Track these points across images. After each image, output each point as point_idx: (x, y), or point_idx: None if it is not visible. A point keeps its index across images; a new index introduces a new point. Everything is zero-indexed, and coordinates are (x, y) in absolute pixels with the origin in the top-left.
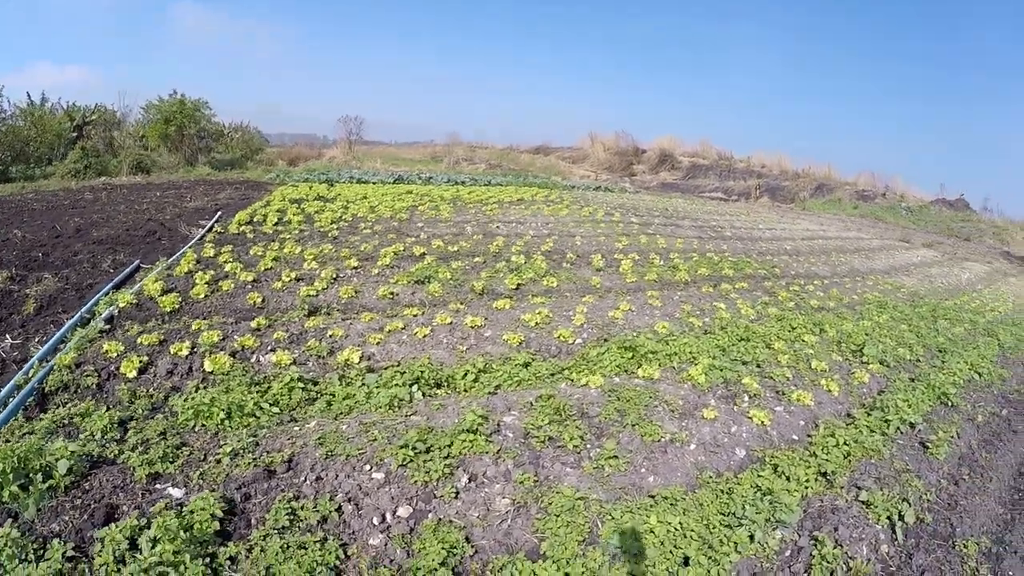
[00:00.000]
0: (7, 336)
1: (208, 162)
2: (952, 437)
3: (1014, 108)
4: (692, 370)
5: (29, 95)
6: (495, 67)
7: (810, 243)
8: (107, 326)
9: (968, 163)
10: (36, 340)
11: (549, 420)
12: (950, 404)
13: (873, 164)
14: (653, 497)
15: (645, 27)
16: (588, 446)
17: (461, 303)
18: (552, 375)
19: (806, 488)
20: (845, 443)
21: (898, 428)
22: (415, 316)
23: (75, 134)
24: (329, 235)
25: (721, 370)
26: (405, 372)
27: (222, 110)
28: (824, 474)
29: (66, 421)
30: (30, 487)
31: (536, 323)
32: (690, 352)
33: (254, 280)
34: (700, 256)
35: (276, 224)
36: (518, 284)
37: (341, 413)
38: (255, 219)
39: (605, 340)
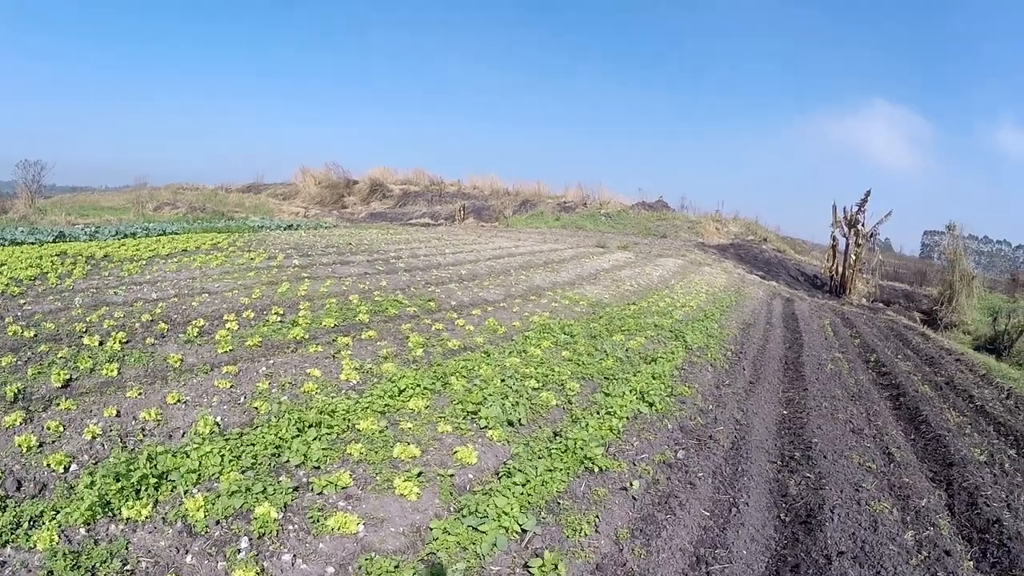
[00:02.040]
0: None
1: None
2: (585, 535)
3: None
4: (189, 503)
5: None
6: (202, 101)
7: (494, 263)
8: None
9: (670, 169)
10: None
11: None
12: (596, 469)
13: (583, 177)
14: None
15: (360, 57)
16: None
17: None
18: (15, 528)
19: None
20: None
21: (494, 544)
22: None
23: None
24: None
25: (238, 493)
26: None
27: None
28: None
29: None
30: None
31: (29, 447)
32: (214, 465)
33: None
34: (339, 301)
35: None
36: (68, 380)
37: None
38: None
39: (101, 464)
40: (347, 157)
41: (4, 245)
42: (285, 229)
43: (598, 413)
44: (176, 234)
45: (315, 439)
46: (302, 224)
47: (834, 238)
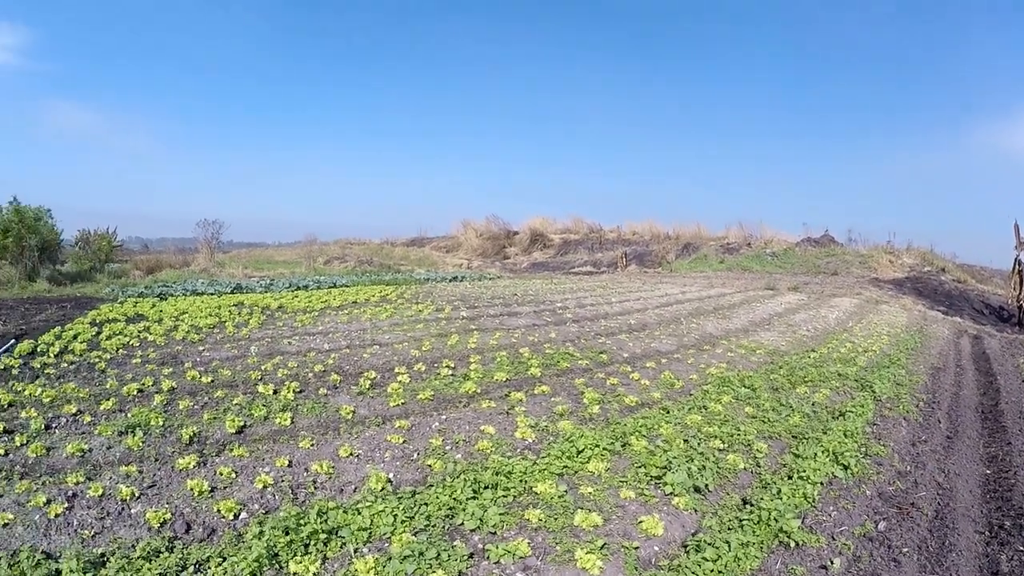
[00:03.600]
0: None
1: (50, 276)
2: None
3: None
4: (359, 563)
5: None
6: (365, 162)
7: (662, 311)
8: None
9: (830, 201)
10: None
11: None
12: (792, 544)
13: (742, 215)
14: None
15: (506, 109)
16: None
17: (152, 460)
18: (180, 570)
19: None
20: None
21: None
22: (76, 483)
23: None
24: (95, 367)
25: (411, 557)
26: (3, 569)
27: (92, 213)
28: None
29: None
30: None
31: (201, 491)
32: (386, 525)
33: None
34: (510, 354)
35: (57, 354)
36: (242, 426)
37: None
38: (38, 349)
39: (271, 515)
40: (505, 208)
41: (187, 295)
42: (450, 281)
43: (790, 478)
44: (346, 286)
45: (491, 502)
46: (466, 276)
47: (1019, 262)
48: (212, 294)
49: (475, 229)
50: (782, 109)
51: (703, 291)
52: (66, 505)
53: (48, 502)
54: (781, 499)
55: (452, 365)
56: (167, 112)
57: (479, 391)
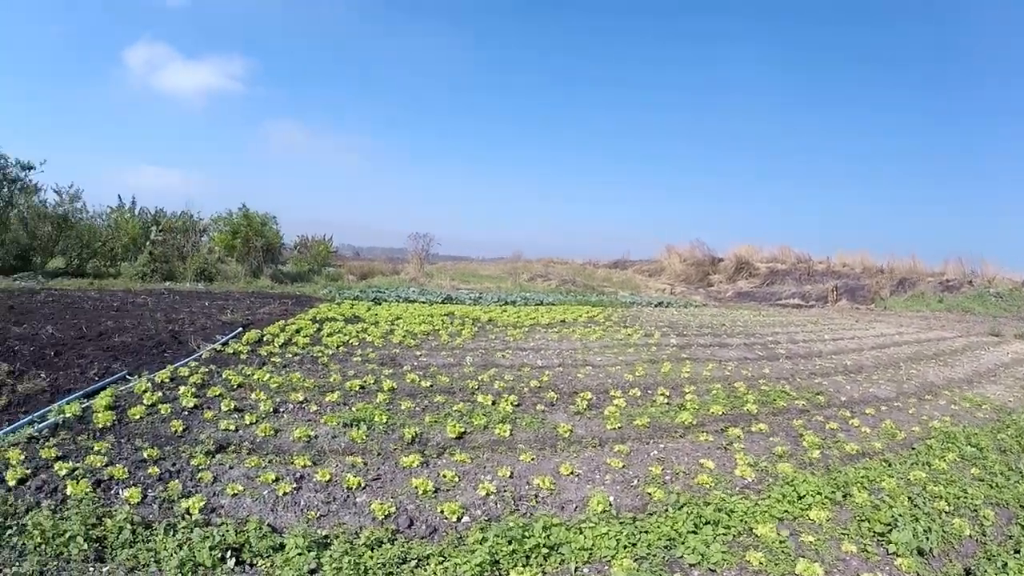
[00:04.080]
0: None
1: (272, 274)
2: None
3: None
4: None
5: (120, 197)
6: (580, 181)
7: (879, 353)
8: (47, 433)
9: None
10: None
11: None
12: None
13: (960, 248)
14: None
15: (723, 134)
16: None
17: (375, 454)
18: (400, 563)
19: None
20: None
21: None
22: (303, 467)
23: (159, 237)
24: (319, 361)
25: None
26: (230, 534)
27: (309, 221)
28: None
29: None
30: None
31: (425, 491)
32: (607, 548)
33: (194, 407)
34: (724, 387)
35: (280, 345)
36: (462, 433)
37: (143, 566)
38: (265, 338)
39: (494, 523)
40: (710, 233)
41: (399, 302)
42: (655, 306)
43: (1017, 552)
44: (553, 305)
45: (712, 538)
46: (671, 302)
47: None
48: (423, 302)
49: (679, 254)
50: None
51: (921, 333)
52: (294, 486)
53: (276, 480)
54: (1015, 562)
55: (667, 393)
56: (375, 131)
57: (695, 423)
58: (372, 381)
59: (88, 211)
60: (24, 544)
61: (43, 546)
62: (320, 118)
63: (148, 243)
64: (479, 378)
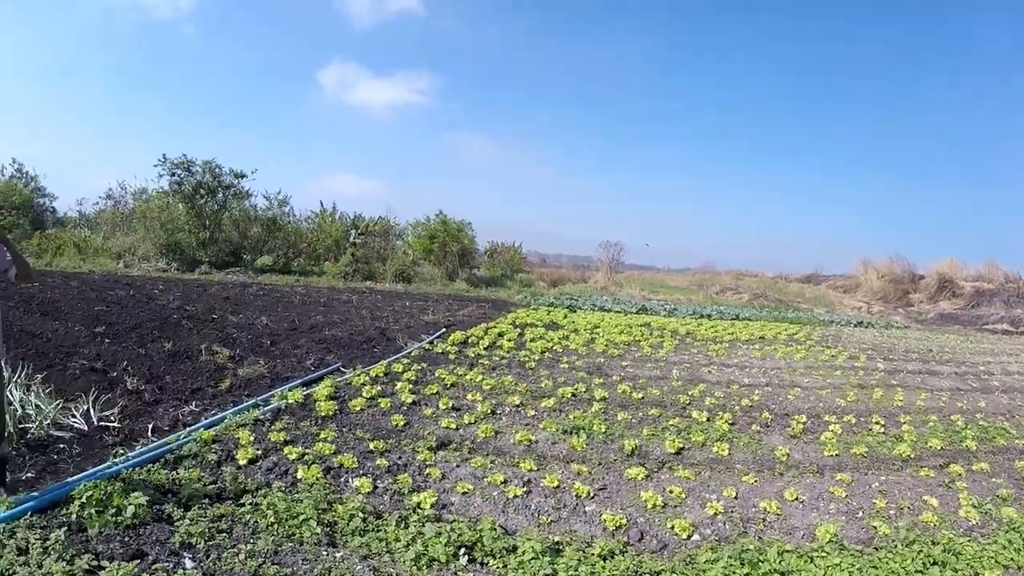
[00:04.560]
0: (194, 403)
1: (467, 278)
2: None
3: None
4: None
5: (322, 203)
6: (765, 191)
7: None
8: (267, 417)
9: None
10: (212, 412)
11: None
12: None
13: None
14: None
15: (922, 140)
16: None
17: (597, 464)
18: None
19: None
20: None
21: None
22: (529, 471)
23: (358, 240)
24: (526, 366)
25: None
26: (461, 532)
27: (498, 228)
28: None
29: (177, 480)
30: (102, 514)
31: (655, 505)
32: None
33: (412, 403)
34: (940, 419)
35: (486, 348)
36: (680, 448)
37: (375, 554)
38: (469, 340)
39: (724, 543)
40: (907, 246)
41: (594, 310)
42: (855, 326)
43: None
44: (749, 320)
45: None
46: (871, 322)
47: None
48: (618, 312)
49: (876, 270)
50: None
51: None
52: (524, 490)
53: (505, 482)
54: None
55: (882, 422)
56: (558, 140)
57: (913, 456)
58: (583, 389)
59: (295, 215)
60: (256, 522)
61: (276, 526)
62: (504, 128)
63: (350, 245)
64: (689, 393)
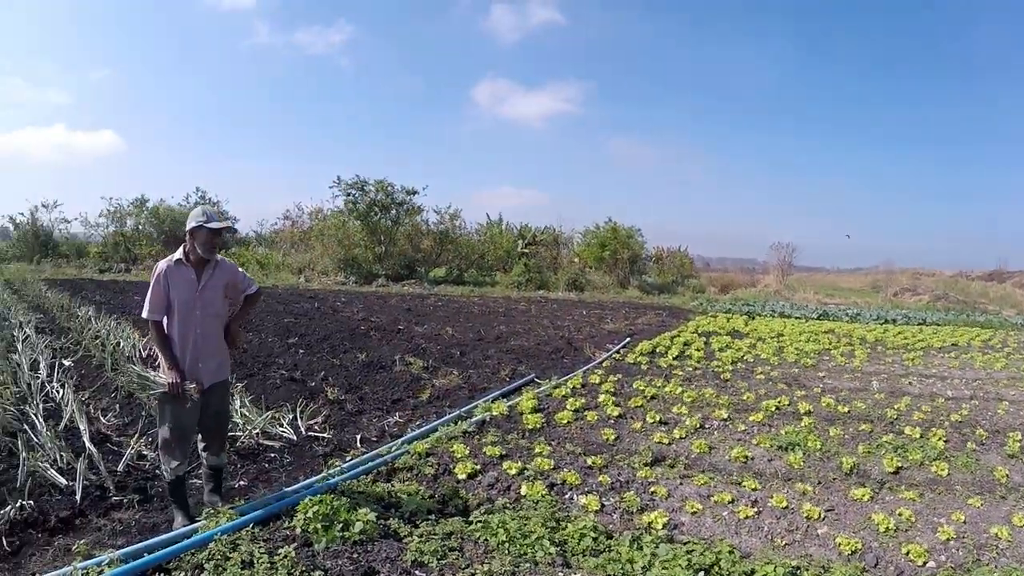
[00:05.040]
0: (397, 414)
1: (638, 285)
2: None
3: None
4: None
5: (488, 215)
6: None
7: None
8: (473, 429)
9: None
10: (416, 424)
11: None
12: None
13: None
14: None
15: None
16: None
17: (816, 483)
18: None
19: None
20: None
21: None
22: (753, 490)
23: (525, 251)
24: (721, 377)
25: None
26: (698, 554)
27: (658, 232)
28: None
29: (393, 493)
30: (329, 529)
31: (887, 528)
32: None
33: (619, 416)
34: None
35: (675, 358)
36: (898, 468)
37: None
38: (657, 350)
39: (959, 570)
40: None
41: (773, 316)
42: None
43: None
44: (938, 326)
45: None
46: None
47: None
48: (797, 318)
49: None
50: None
51: None
52: (754, 510)
53: (732, 502)
54: None
55: None
56: (708, 142)
57: None
58: (787, 403)
59: (465, 227)
60: (487, 541)
61: (507, 544)
62: (655, 129)
63: (521, 255)
64: (895, 407)
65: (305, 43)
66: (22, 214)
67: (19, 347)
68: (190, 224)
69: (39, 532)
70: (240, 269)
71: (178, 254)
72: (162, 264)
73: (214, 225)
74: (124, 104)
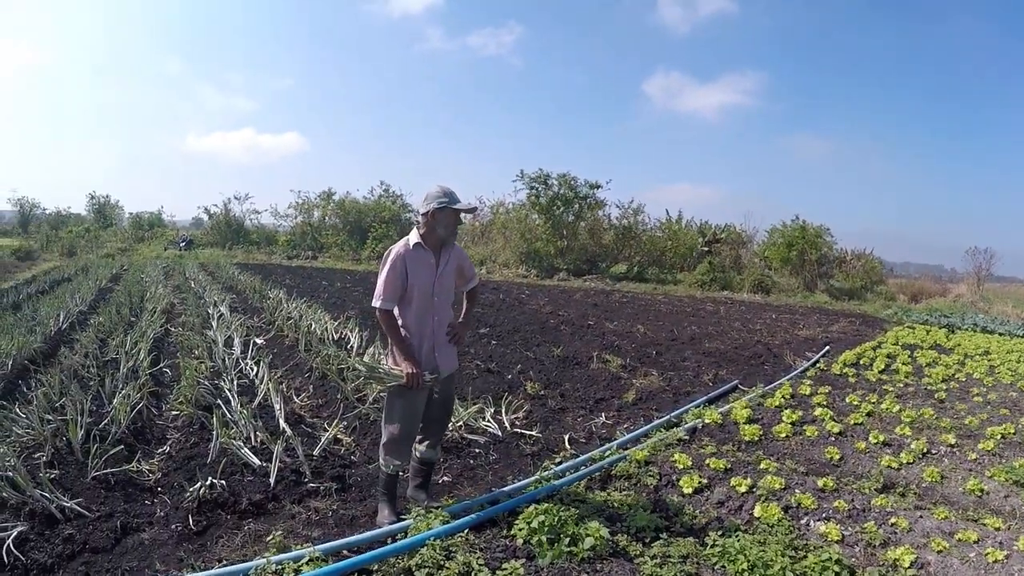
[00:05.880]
0: (603, 415)
1: (826, 289)
2: None
3: None
4: None
5: (668, 212)
6: None
7: None
8: (686, 436)
9: None
10: (624, 426)
11: None
12: None
13: None
14: None
15: None
16: None
17: None
18: None
19: None
20: None
21: None
22: (996, 529)
23: (705, 249)
24: (935, 396)
25: None
26: None
27: (841, 234)
28: None
29: (613, 505)
30: (556, 544)
31: None
32: None
33: (839, 433)
34: None
35: (882, 371)
36: None
37: None
38: (861, 361)
39: None
40: None
41: (976, 330)
42: None
43: None
44: None
45: None
46: None
47: None
48: (1001, 334)
49: None
50: None
51: None
52: (1003, 553)
53: (978, 542)
54: None
55: None
56: (893, 137)
57: None
58: (1012, 431)
59: (648, 223)
60: (724, 567)
61: (747, 573)
62: (835, 123)
63: (704, 253)
64: None
65: (477, 45)
66: (216, 205)
67: (214, 324)
68: (431, 205)
69: (228, 514)
70: (466, 253)
71: (414, 237)
72: (399, 247)
73: (461, 207)
74: (306, 108)
